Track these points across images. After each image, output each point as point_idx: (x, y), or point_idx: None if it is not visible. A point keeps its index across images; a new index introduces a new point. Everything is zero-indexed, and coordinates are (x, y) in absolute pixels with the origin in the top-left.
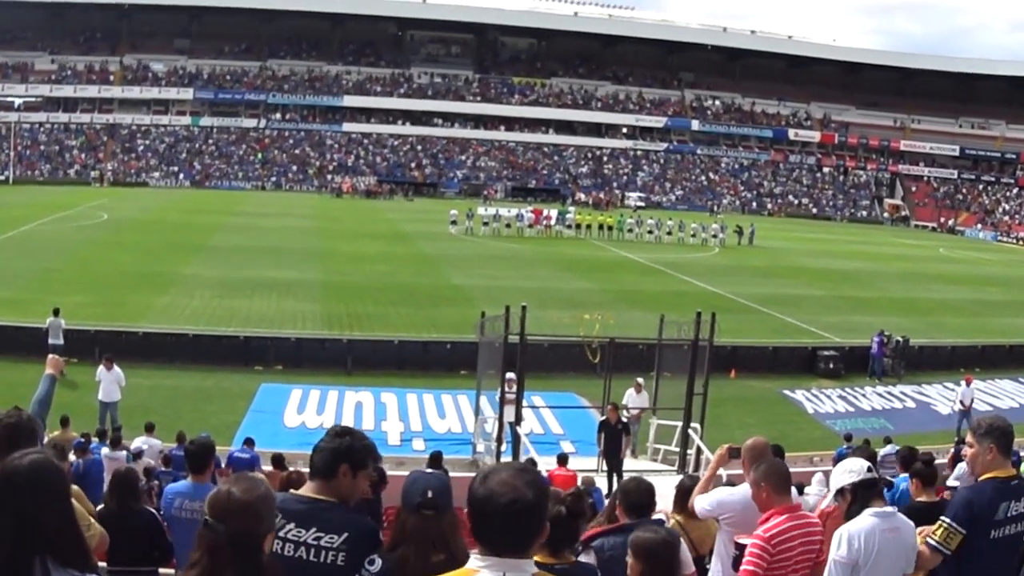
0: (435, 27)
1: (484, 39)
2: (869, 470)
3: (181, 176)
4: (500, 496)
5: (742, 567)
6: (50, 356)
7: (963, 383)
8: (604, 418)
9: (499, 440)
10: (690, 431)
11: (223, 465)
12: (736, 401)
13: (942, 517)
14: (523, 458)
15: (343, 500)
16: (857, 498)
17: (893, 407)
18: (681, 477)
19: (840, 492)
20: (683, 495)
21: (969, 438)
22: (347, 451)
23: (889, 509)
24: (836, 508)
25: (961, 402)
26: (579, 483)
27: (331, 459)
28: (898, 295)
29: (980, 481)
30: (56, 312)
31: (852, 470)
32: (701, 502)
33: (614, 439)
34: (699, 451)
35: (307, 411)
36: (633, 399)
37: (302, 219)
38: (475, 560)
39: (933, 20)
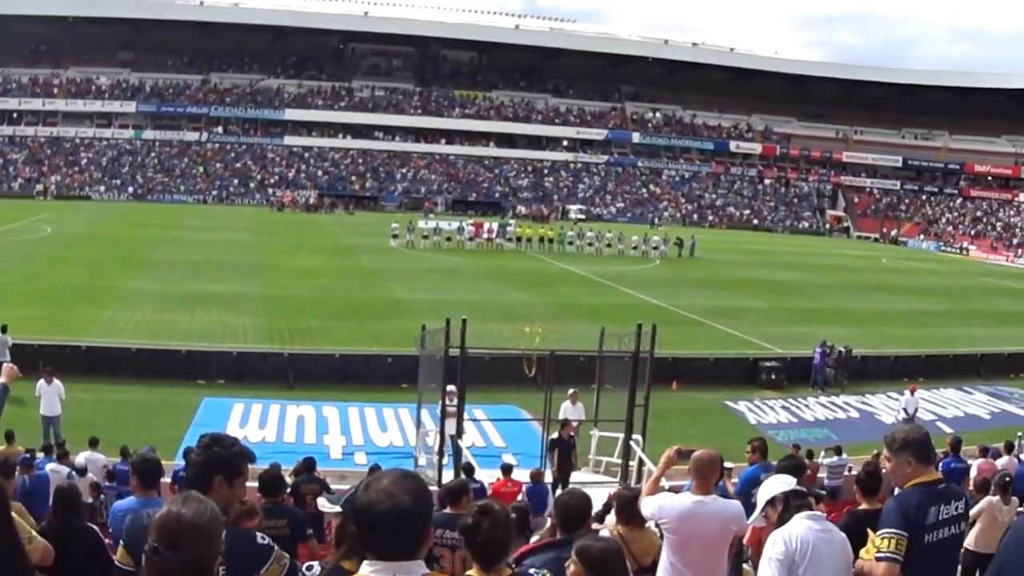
0: (377, 40)
1: (426, 52)
2: (798, 483)
3: (124, 190)
4: (378, 504)
5: None
6: (4, 365)
7: (907, 392)
8: (557, 436)
9: (440, 453)
10: (632, 443)
11: (167, 480)
12: (678, 412)
13: (880, 531)
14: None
15: (221, 510)
16: (788, 506)
17: (836, 417)
18: (619, 488)
19: (771, 502)
20: (622, 506)
21: (885, 453)
22: (218, 462)
23: (819, 513)
24: (765, 526)
25: (905, 411)
26: (523, 493)
27: (204, 471)
28: (841, 306)
29: (905, 489)
30: (3, 329)
31: (783, 481)
32: (646, 506)
33: (566, 454)
34: (641, 462)
35: (249, 425)
36: (569, 411)
37: (243, 233)
38: (366, 566)
39: (875, 31)
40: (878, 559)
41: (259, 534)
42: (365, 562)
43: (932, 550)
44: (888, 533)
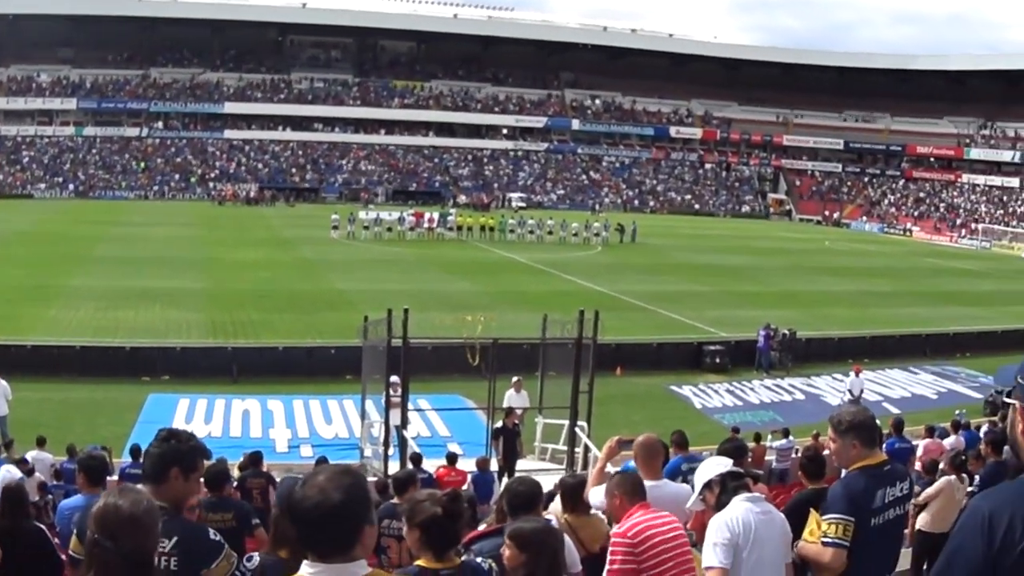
0: (315, 32)
1: (364, 43)
2: (734, 464)
3: (66, 187)
4: (308, 501)
5: (607, 569)
6: None
7: (852, 373)
8: (501, 424)
9: (386, 444)
10: (577, 429)
11: (115, 477)
12: (623, 398)
13: (826, 516)
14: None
15: (174, 503)
16: (726, 488)
17: (782, 400)
18: (563, 476)
19: (708, 485)
20: (567, 493)
21: (830, 433)
22: (176, 454)
23: (758, 495)
24: (704, 509)
25: (850, 392)
26: (469, 482)
27: (161, 463)
28: (784, 288)
29: (851, 472)
30: None
31: (718, 463)
32: (595, 495)
33: (511, 443)
34: (587, 449)
35: (195, 421)
36: (513, 399)
37: (185, 228)
38: (305, 566)
39: (814, 15)
40: (825, 544)
41: (211, 530)
42: (305, 563)
43: (878, 532)
44: (835, 519)
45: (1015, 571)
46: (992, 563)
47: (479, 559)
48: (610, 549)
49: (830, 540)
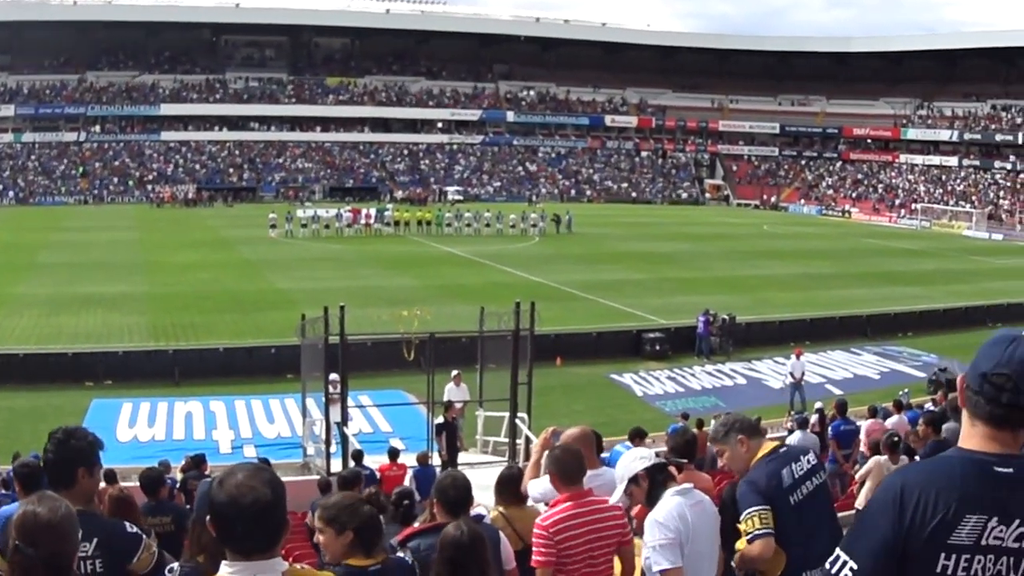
0: (249, 31)
1: (298, 41)
2: (657, 455)
3: (6, 195)
4: (241, 498)
5: (532, 558)
6: None
7: (793, 356)
8: (442, 419)
9: (327, 442)
10: (517, 421)
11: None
12: (563, 388)
13: (742, 515)
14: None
15: (86, 502)
16: (655, 482)
17: (724, 385)
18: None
19: (634, 480)
20: (504, 486)
21: (715, 448)
22: (78, 454)
23: (687, 485)
24: (630, 504)
25: (792, 375)
26: (411, 476)
27: (67, 467)
28: (722, 274)
29: (751, 468)
30: None
31: (642, 456)
32: (534, 488)
33: (452, 436)
34: (528, 440)
35: (138, 424)
36: (453, 392)
37: (125, 231)
38: (225, 567)
39: (748, 0)
40: (749, 541)
41: (127, 523)
42: (224, 563)
43: (802, 508)
44: (750, 513)
45: (926, 548)
46: (903, 539)
47: (408, 556)
48: (533, 539)
49: (752, 534)
